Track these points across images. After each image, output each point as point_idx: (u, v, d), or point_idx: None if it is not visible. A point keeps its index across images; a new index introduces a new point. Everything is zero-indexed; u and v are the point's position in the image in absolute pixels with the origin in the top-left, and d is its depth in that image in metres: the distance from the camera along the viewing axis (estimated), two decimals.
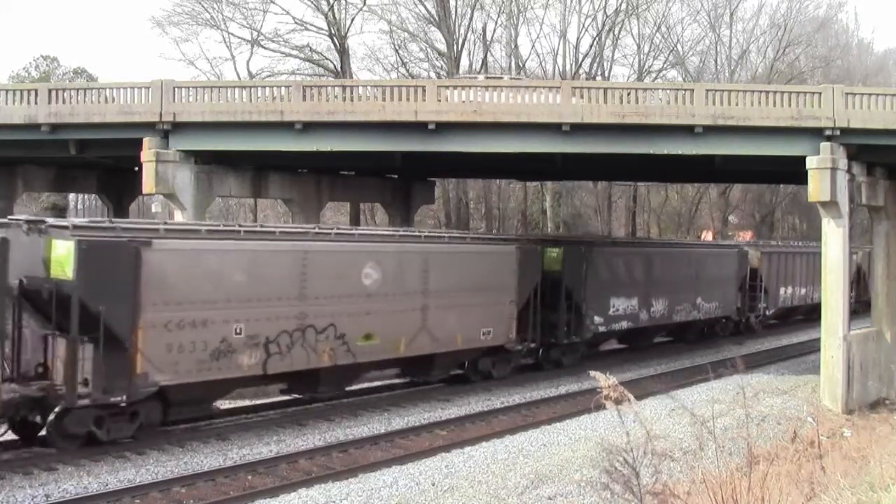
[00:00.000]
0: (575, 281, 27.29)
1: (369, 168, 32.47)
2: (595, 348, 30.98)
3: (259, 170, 29.05)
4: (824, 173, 23.48)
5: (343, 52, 47.70)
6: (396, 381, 24.45)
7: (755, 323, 39.39)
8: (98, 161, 30.77)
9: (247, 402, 21.13)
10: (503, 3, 50.27)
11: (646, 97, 25.04)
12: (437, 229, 42.12)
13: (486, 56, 51.85)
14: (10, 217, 17.25)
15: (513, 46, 53.16)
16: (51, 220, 16.71)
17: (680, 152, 24.85)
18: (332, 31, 47.32)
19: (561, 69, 52.17)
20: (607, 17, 52.75)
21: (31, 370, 15.90)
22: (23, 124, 26.30)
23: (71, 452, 16.11)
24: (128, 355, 16.07)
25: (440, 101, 24.71)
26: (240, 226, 19.19)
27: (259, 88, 27.98)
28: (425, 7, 49.73)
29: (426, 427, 19.81)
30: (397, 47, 51.35)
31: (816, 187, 23.62)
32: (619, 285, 29.71)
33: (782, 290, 40.57)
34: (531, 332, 25.69)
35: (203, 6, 47.32)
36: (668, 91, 26.30)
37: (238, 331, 17.66)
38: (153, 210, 41.41)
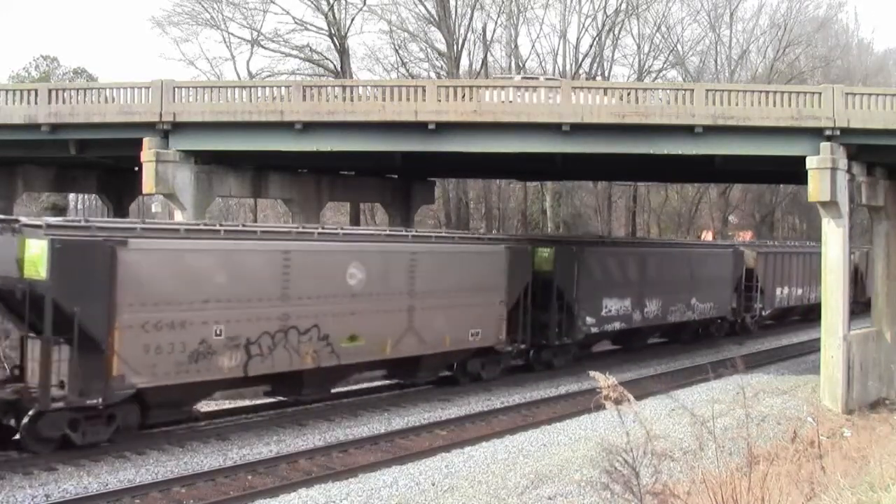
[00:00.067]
0: (566, 281, 27.00)
1: (369, 168, 32.47)
2: (587, 349, 30.68)
3: (259, 170, 29.05)
4: (824, 173, 23.48)
5: (343, 52, 47.71)
6: (395, 381, 24.24)
7: (751, 323, 39.14)
8: (98, 161, 30.77)
9: (247, 403, 21.13)
10: (503, 3, 50.29)
11: (646, 97, 25.03)
12: (437, 229, 42.14)
13: (486, 56, 51.91)
14: None
15: (513, 46, 53.25)
16: (24, 220, 16.45)
17: (680, 152, 24.85)
18: (332, 31, 47.34)
19: (561, 69, 52.18)
20: (607, 17, 52.85)
21: (8, 372, 15.60)
22: (23, 124, 26.30)
23: (71, 452, 16.12)
24: (104, 357, 15.75)
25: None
26: (220, 225, 18.84)
27: (259, 88, 27.99)
28: (425, 7, 49.82)
29: (426, 427, 19.80)
30: (397, 47, 51.45)
31: (816, 187, 23.62)
32: (611, 286, 29.39)
33: (778, 291, 40.29)
34: (521, 333, 25.37)
35: (203, 6, 47.40)
36: (668, 91, 26.29)
37: (218, 332, 17.31)
38: (153, 210, 41.49)
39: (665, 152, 24.94)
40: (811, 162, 23.59)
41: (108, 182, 34.61)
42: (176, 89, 25.64)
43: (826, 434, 20.10)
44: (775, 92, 24.72)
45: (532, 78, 33.86)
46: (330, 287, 19.55)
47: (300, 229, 20.21)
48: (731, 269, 36.71)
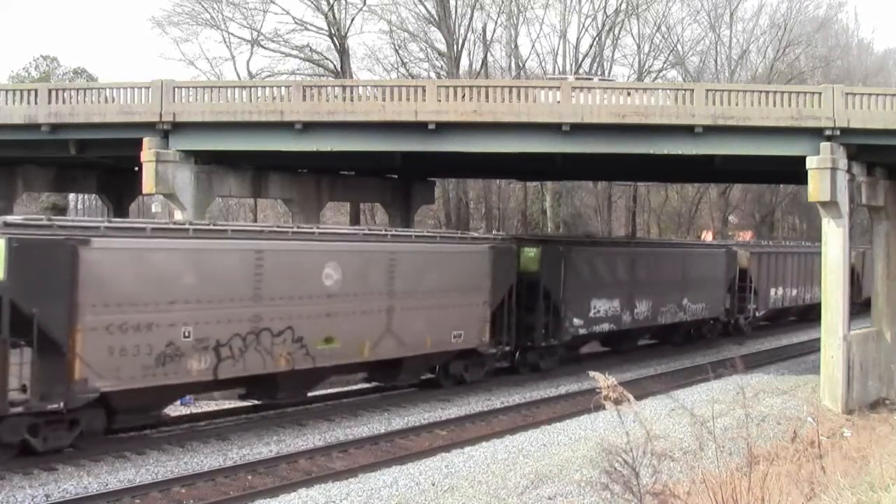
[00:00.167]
0: (553, 281, 26.59)
1: (369, 168, 32.47)
2: (575, 351, 30.25)
3: (259, 170, 29.03)
4: (824, 173, 23.48)
5: (343, 52, 47.70)
6: (375, 384, 23.61)
7: (744, 324, 38.69)
8: (98, 161, 30.76)
9: (247, 403, 21.12)
10: (503, 3, 50.29)
11: (646, 97, 24.99)
12: (438, 229, 42.11)
13: (486, 56, 51.91)
14: None
15: (513, 46, 53.27)
16: None
17: (680, 152, 24.85)
18: (332, 31, 47.33)
19: (561, 69, 52.17)
20: (607, 17, 52.85)
21: None
22: (23, 124, 26.28)
23: (71, 452, 16.12)
24: (65, 360, 15.25)
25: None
26: (190, 224, 18.38)
27: (259, 88, 27.99)
28: (425, 7, 49.82)
29: (426, 427, 19.80)
30: (397, 47, 51.44)
31: (816, 187, 23.62)
32: (600, 286, 28.94)
33: (773, 291, 39.91)
34: (506, 335, 24.96)
35: (203, 6, 47.38)
36: (668, 91, 26.27)
37: (186, 334, 16.82)
38: (153, 210, 41.43)
39: (665, 152, 24.93)
40: (811, 162, 23.59)
41: (108, 182, 34.59)
42: (176, 89, 25.63)
43: (826, 434, 20.11)
44: (775, 92, 24.72)
45: (587, 78, 33.26)
46: (305, 288, 19.06)
47: (273, 228, 19.81)
48: (724, 269, 36.31)
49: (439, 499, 14.76)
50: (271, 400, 19.68)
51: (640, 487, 10.70)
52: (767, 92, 24.70)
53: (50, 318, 15.09)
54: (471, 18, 49.70)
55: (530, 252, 26.21)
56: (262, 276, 18.20)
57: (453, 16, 49.38)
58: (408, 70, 51.12)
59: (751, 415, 15.08)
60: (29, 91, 27.05)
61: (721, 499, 10.58)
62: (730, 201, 61.89)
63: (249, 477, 15.59)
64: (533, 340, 26.46)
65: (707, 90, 24.70)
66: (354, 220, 39.02)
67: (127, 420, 16.88)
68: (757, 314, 39.02)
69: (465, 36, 49.94)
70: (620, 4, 52.53)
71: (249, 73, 47.98)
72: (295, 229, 20.00)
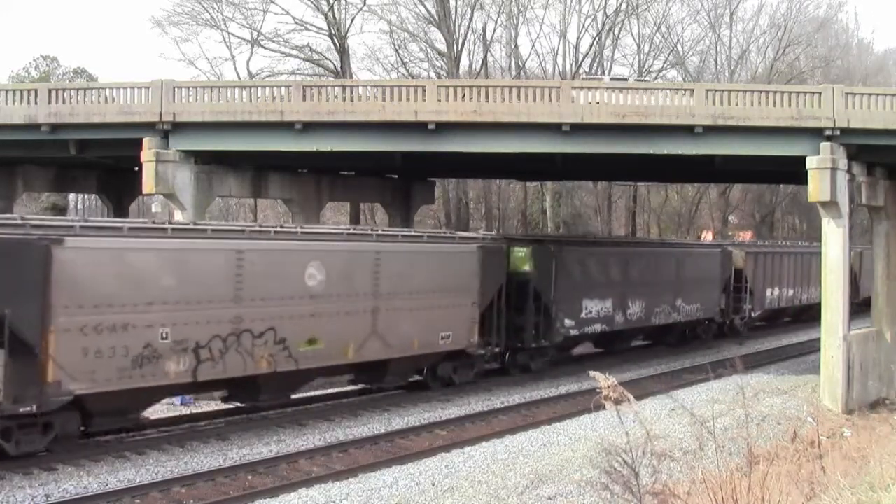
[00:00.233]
0: (544, 282, 26.18)
1: (369, 168, 32.47)
2: (567, 352, 29.86)
3: (259, 170, 29.04)
4: (824, 173, 23.49)
5: (343, 52, 47.71)
6: (361, 386, 23.02)
7: (740, 325, 38.22)
8: (98, 161, 30.77)
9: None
10: (503, 3, 50.29)
11: (646, 97, 24.98)
12: (438, 229, 42.12)
13: (486, 56, 51.92)
14: None
15: (513, 46, 53.28)
16: None
17: (680, 152, 24.85)
18: (332, 31, 47.34)
19: (561, 69, 52.22)
20: (607, 17, 52.84)
21: None
22: (23, 124, 26.29)
23: (71, 452, 16.12)
24: (38, 362, 14.90)
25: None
26: (169, 223, 18.11)
27: (259, 88, 27.99)
28: (425, 7, 49.82)
29: (426, 427, 19.80)
30: (397, 47, 51.45)
31: (816, 187, 23.63)
32: (592, 286, 28.51)
33: (769, 292, 39.46)
34: (495, 336, 24.62)
35: (203, 6, 47.38)
36: (668, 91, 26.27)
37: (164, 335, 16.46)
38: (153, 210, 41.45)
39: (665, 152, 24.94)
40: (811, 162, 23.59)
41: (108, 182, 34.60)
42: (176, 89, 25.64)
43: (826, 434, 20.11)
44: (775, 92, 24.73)
45: (622, 79, 32.85)
46: (287, 288, 18.68)
47: (255, 228, 19.47)
48: (719, 269, 35.85)
49: (439, 499, 14.76)
50: (253, 402, 19.37)
51: (639, 487, 10.70)
52: (767, 92, 24.72)
53: (22, 319, 14.78)
54: (471, 18, 49.78)
55: (520, 252, 25.85)
56: (243, 276, 17.84)
57: (453, 16, 49.41)
58: (408, 70, 51.16)
59: (751, 415, 15.07)
60: (29, 91, 27.06)
61: (721, 499, 10.58)
62: (730, 201, 61.90)
63: (249, 477, 15.59)
64: (523, 342, 26.07)
65: (707, 90, 24.71)
66: (354, 220, 39.04)
67: (103, 423, 16.56)
68: (753, 315, 38.61)
69: (465, 36, 50.01)
70: (620, 4, 52.60)
71: (249, 73, 48.01)
72: (277, 229, 19.65)
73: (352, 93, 25.82)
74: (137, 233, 16.76)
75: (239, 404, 19.62)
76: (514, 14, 51.30)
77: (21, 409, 14.97)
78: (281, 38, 47.75)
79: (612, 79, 33.22)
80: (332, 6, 47.01)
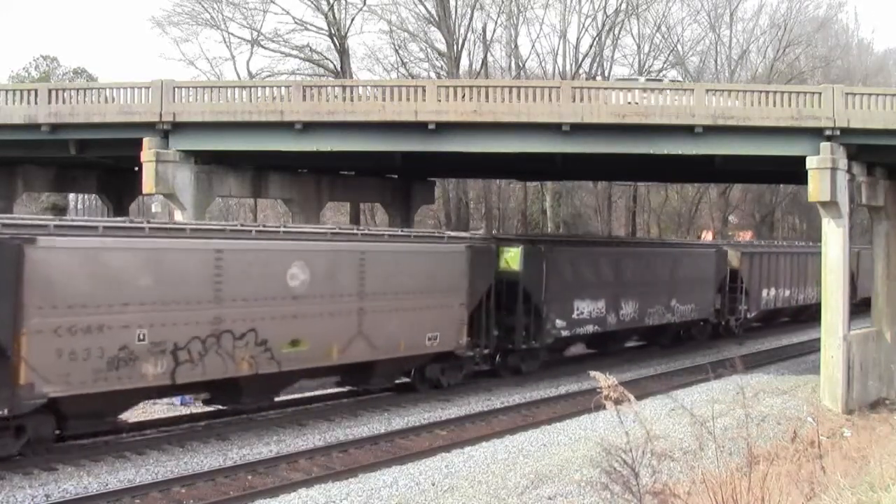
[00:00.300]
0: (534, 282, 25.76)
1: (369, 168, 32.48)
2: (559, 354, 29.43)
3: (259, 170, 29.05)
4: (824, 173, 23.49)
5: (343, 52, 47.72)
6: (348, 388, 22.80)
7: (735, 326, 37.59)
8: (98, 161, 30.77)
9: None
10: (503, 3, 50.30)
11: (646, 97, 24.98)
12: (438, 229, 42.11)
13: (486, 56, 51.93)
14: None
15: (513, 46, 53.28)
16: None
17: (680, 152, 24.86)
18: (332, 31, 47.35)
19: (561, 69, 52.23)
20: (607, 17, 52.83)
21: None
22: (23, 124, 26.29)
23: (71, 452, 16.11)
24: (10, 364, 14.54)
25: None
26: (148, 222, 17.58)
27: (259, 88, 28.00)
28: (425, 7, 49.83)
29: (426, 427, 19.79)
30: (397, 47, 51.46)
31: (816, 187, 23.63)
32: (584, 287, 28.04)
33: (765, 292, 38.99)
34: (484, 338, 24.31)
35: (203, 6, 47.39)
36: (668, 91, 26.27)
37: (141, 337, 16.11)
38: (153, 210, 41.48)
39: (665, 152, 24.95)
40: (811, 162, 23.60)
41: (108, 182, 34.61)
42: (176, 89, 25.65)
43: (826, 434, 20.12)
44: (775, 92, 24.74)
45: (656, 80, 32.46)
46: (269, 289, 18.30)
47: (235, 227, 19.15)
48: (714, 269, 35.30)
49: (439, 499, 14.77)
50: (235, 405, 19.05)
51: (639, 487, 10.70)
52: (767, 92, 24.72)
53: None
54: (471, 18, 49.79)
55: (510, 252, 25.37)
56: (223, 276, 17.47)
57: (453, 16, 49.42)
58: (408, 70, 51.17)
59: (751, 415, 15.08)
60: (29, 91, 27.07)
61: (721, 499, 10.58)
62: (730, 201, 61.91)
63: (249, 477, 15.59)
64: (513, 343, 25.67)
65: (707, 90, 24.71)
66: (354, 220, 39.03)
67: (79, 426, 16.26)
68: (748, 315, 38.17)
69: (465, 36, 50.02)
70: (620, 4, 52.59)
71: (249, 73, 48.01)
72: (258, 228, 19.30)
73: (352, 93, 25.83)
74: (113, 232, 16.38)
75: (221, 406, 19.31)
76: (514, 14, 51.34)
77: None
78: (281, 38, 47.82)
79: (646, 79, 32.57)
80: (332, 6, 47.04)
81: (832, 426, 21.88)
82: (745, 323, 38.50)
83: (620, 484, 10.80)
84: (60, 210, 45.69)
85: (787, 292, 41.04)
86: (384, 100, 24.93)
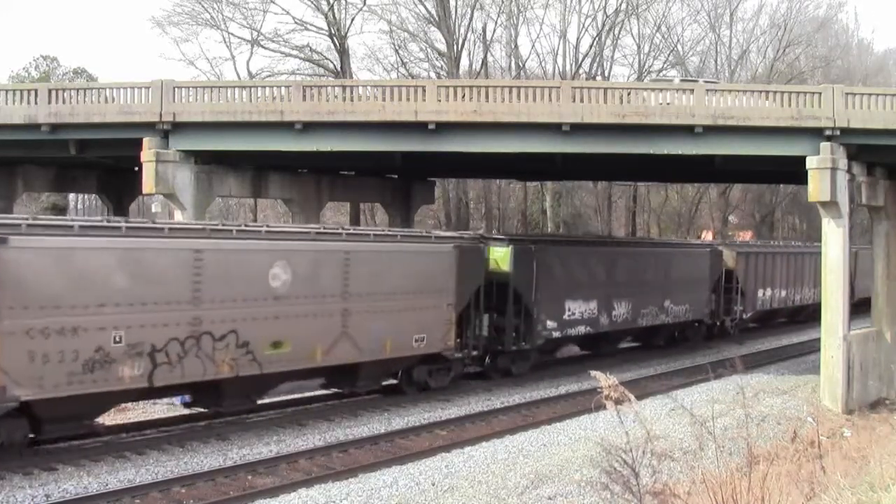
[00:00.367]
0: (524, 283, 25.33)
1: (369, 168, 32.49)
2: (551, 355, 29.00)
3: (259, 170, 29.07)
4: (824, 173, 23.50)
5: (343, 52, 47.72)
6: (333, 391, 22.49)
7: (731, 327, 37.17)
8: (98, 161, 30.79)
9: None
10: (503, 3, 50.30)
11: (646, 97, 24.99)
12: (438, 229, 42.10)
13: (486, 56, 51.93)
14: None
15: (513, 46, 53.28)
16: None
17: (680, 152, 24.86)
18: (332, 31, 47.35)
19: (561, 69, 52.23)
20: (607, 17, 52.82)
21: None
22: (23, 124, 26.31)
23: (71, 452, 16.10)
24: None
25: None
26: (126, 221, 17.26)
27: (259, 88, 28.01)
28: (425, 7, 49.84)
29: (426, 427, 19.79)
30: (397, 47, 51.47)
31: (816, 187, 23.63)
32: (575, 287, 27.56)
33: (760, 293, 38.57)
34: (473, 339, 23.96)
35: (203, 6, 47.39)
36: (668, 91, 26.27)
37: (117, 339, 15.75)
38: (153, 210, 41.40)
39: (665, 152, 24.95)
40: (811, 162, 23.60)
41: (108, 182, 34.64)
42: (176, 89, 25.67)
43: (826, 434, 20.12)
44: (775, 92, 24.74)
45: (692, 80, 31.96)
46: (250, 289, 17.91)
47: (215, 226, 18.68)
48: (709, 269, 34.79)
49: (439, 499, 14.77)
50: (217, 408, 18.70)
51: (640, 487, 10.71)
52: (767, 92, 24.72)
53: None
54: (471, 18, 49.79)
55: (499, 252, 24.96)
56: (202, 276, 17.10)
57: (453, 16, 49.42)
58: (408, 70, 51.17)
59: (751, 415, 15.09)
60: (29, 91, 27.09)
61: (721, 499, 10.59)
62: (730, 201, 61.90)
63: (249, 477, 15.59)
64: (503, 344, 25.28)
65: (707, 90, 24.71)
66: (354, 220, 39.06)
67: (54, 430, 15.90)
68: (744, 316, 37.74)
69: (465, 36, 50.02)
70: (620, 4, 52.57)
71: (249, 73, 48.02)
72: (239, 227, 18.90)
73: (352, 93, 25.84)
74: (88, 231, 16.02)
75: (202, 409, 18.98)
76: (514, 14, 51.33)
77: None
78: (281, 38, 47.82)
79: (681, 80, 32.12)
80: (332, 6, 47.04)
81: (832, 426, 21.88)
82: (740, 324, 38.10)
83: (620, 484, 10.81)
84: (60, 210, 45.72)
85: (784, 293, 40.69)
86: (384, 100, 24.94)
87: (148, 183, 25.60)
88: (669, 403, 21.49)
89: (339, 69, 47.23)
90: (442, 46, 50.07)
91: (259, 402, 21.05)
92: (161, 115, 25.21)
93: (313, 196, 31.30)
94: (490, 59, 52.85)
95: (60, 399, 15.19)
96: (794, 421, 21.24)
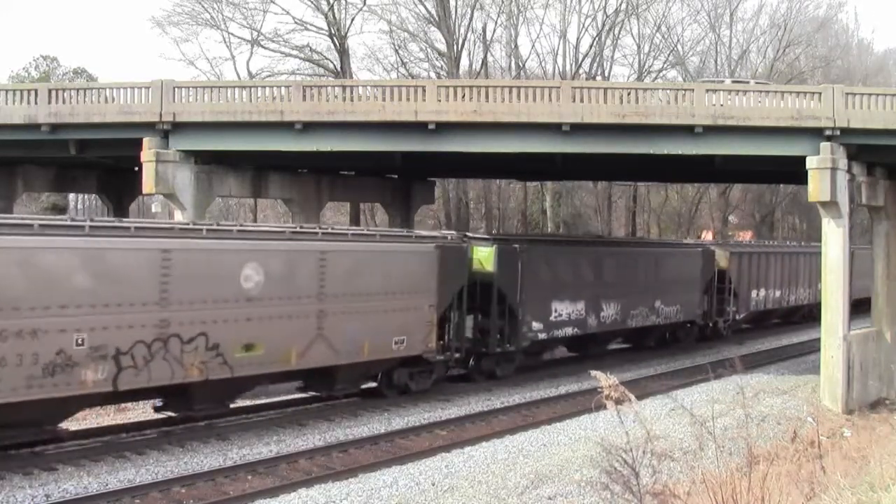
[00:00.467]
0: (509, 283, 24.85)
1: (369, 168, 32.49)
2: (537, 357, 28.40)
3: (259, 170, 29.07)
4: (824, 173, 23.50)
5: (343, 52, 47.72)
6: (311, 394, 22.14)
7: (724, 328, 36.62)
8: (98, 161, 30.79)
9: (247, 403, 21.12)
10: (503, 3, 50.31)
11: (646, 97, 25.01)
12: (437, 229, 42.10)
13: (486, 56, 51.94)
14: None
15: (513, 46, 53.29)
16: None
17: (680, 152, 24.86)
18: (332, 31, 47.35)
19: (561, 69, 52.24)
20: (607, 17, 52.84)
21: None
22: (23, 124, 26.31)
23: (71, 452, 16.10)
24: None
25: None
26: (91, 220, 16.77)
27: (259, 88, 27.99)
28: (425, 7, 49.84)
29: (426, 427, 19.79)
30: (397, 47, 51.48)
31: (816, 187, 23.64)
32: (562, 288, 27.03)
33: (754, 293, 38.17)
34: (455, 341, 23.47)
35: (203, 6, 47.39)
36: (668, 91, 26.27)
37: (80, 341, 15.24)
38: (153, 210, 41.46)
39: (665, 152, 24.95)
40: (811, 162, 23.61)
41: (108, 182, 34.64)
42: (176, 89, 25.67)
43: (826, 434, 20.12)
44: (775, 92, 24.74)
45: (743, 82, 31.65)
46: (221, 290, 17.41)
47: (184, 226, 18.30)
48: (701, 270, 34.26)
49: (439, 499, 14.77)
50: (188, 412, 18.18)
51: (640, 487, 10.71)
52: (767, 92, 24.72)
53: None
54: (471, 18, 49.80)
55: (483, 251, 24.51)
56: (170, 277, 16.62)
57: (453, 16, 49.42)
58: (408, 70, 51.18)
59: (751, 415, 15.11)
60: (29, 91, 27.08)
61: (721, 499, 10.59)
62: (730, 201, 61.93)
63: (249, 477, 15.59)
64: (487, 346, 24.88)
65: (707, 90, 24.71)
66: (354, 220, 39.09)
67: (13, 436, 15.49)
68: (737, 317, 37.28)
69: (465, 36, 50.02)
70: (620, 4, 52.58)
71: (249, 73, 48.03)
72: (210, 227, 18.40)
73: (352, 93, 25.84)
74: (49, 231, 15.50)
75: (172, 414, 18.44)
76: (514, 14, 51.34)
77: None
78: (281, 38, 47.82)
79: (733, 81, 31.76)
80: (332, 6, 47.04)
81: (832, 426, 21.88)
82: (733, 325, 37.64)
83: (621, 484, 10.81)
84: (60, 210, 45.75)
85: (778, 293, 40.31)
86: (384, 100, 24.93)
87: (148, 183, 25.61)
88: (669, 403, 21.49)
89: (339, 69, 47.23)
90: (442, 46, 50.09)
91: (258, 402, 21.16)
92: (161, 115, 25.21)
93: (313, 196, 31.30)
94: (490, 59, 52.94)
95: (19, 404, 14.73)
96: (794, 421, 21.24)
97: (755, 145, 24.37)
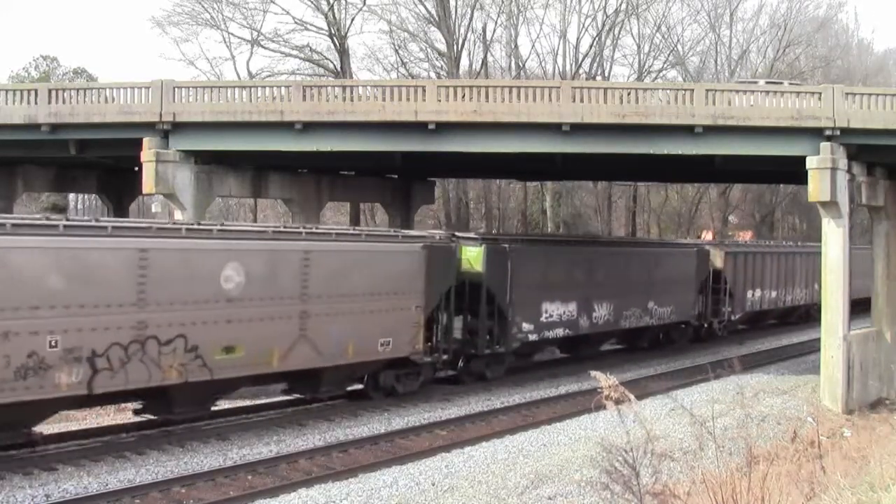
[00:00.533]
0: (498, 284, 24.55)
1: (369, 168, 32.49)
2: (528, 358, 28.17)
3: (259, 170, 29.06)
4: (824, 173, 23.49)
5: (343, 52, 47.74)
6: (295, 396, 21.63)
7: (719, 329, 36.26)
8: (98, 161, 30.78)
9: (247, 403, 21.13)
10: (503, 3, 50.32)
11: (646, 97, 25.01)
12: (437, 229, 42.10)
13: (486, 56, 51.96)
14: None
15: (513, 46, 53.31)
16: None
17: (680, 152, 24.85)
18: (332, 31, 47.37)
19: (561, 69, 52.25)
20: (607, 17, 52.86)
21: None
22: (23, 124, 26.29)
23: (71, 452, 16.10)
24: None
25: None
26: (67, 219, 16.50)
27: (259, 88, 28.00)
28: (425, 7, 49.87)
29: (426, 427, 19.79)
30: (397, 47, 51.51)
31: (816, 187, 23.63)
32: (553, 288, 26.65)
33: (750, 293, 37.85)
34: (444, 342, 23.14)
35: (203, 6, 47.42)
36: (668, 91, 26.26)
37: (53, 343, 14.92)
38: (153, 210, 41.47)
39: (665, 152, 24.94)
40: (811, 162, 23.60)
41: (108, 182, 34.61)
42: (176, 89, 25.65)
43: (826, 434, 20.12)
44: (775, 92, 24.73)
45: (777, 83, 31.34)
46: (200, 291, 17.08)
47: (163, 225, 17.95)
48: (695, 270, 33.89)
49: (439, 499, 14.77)
50: (167, 415, 17.85)
51: (640, 487, 10.72)
52: (767, 92, 24.72)
53: None
54: (471, 18, 49.83)
55: (472, 251, 24.17)
56: (147, 278, 16.27)
57: (453, 16, 49.44)
58: (408, 70, 51.19)
59: (751, 415, 15.13)
60: (29, 91, 27.06)
61: (721, 499, 10.59)
62: (730, 201, 61.94)
63: (249, 477, 15.59)
64: (476, 348, 24.52)
65: (707, 90, 24.71)
66: (354, 220, 39.08)
67: None
68: (732, 318, 36.96)
69: (465, 36, 50.06)
70: (620, 4, 52.61)
71: (249, 73, 48.05)
72: (189, 226, 18.07)
73: (352, 93, 25.84)
74: (22, 230, 15.15)
75: (151, 417, 18.10)
76: (514, 14, 51.36)
77: None
78: (281, 38, 47.85)
79: (767, 82, 31.51)
80: (332, 6, 47.06)
81: (832, 426, 21.88)
82: (729, 325, 37.29)
83: (621, 484, 10.81)
84: (60, 210, 45.74)
85: (774, 293, 39.98)
86: (384, 100, 24.93)
87: (148, 183, 25.59)
88: (669, 403, 21.48)
89: (339, 69, 47.24)
90: (442, 46, 50.11)
91: (258, 402, 21.16)
92: (161, 115, 25.19)
93: (313, 196, 31.29)
94: (490, 59, 52.96)
95: None
96: (794, 421, 21.23)
97: (755, 145, 24.36)
